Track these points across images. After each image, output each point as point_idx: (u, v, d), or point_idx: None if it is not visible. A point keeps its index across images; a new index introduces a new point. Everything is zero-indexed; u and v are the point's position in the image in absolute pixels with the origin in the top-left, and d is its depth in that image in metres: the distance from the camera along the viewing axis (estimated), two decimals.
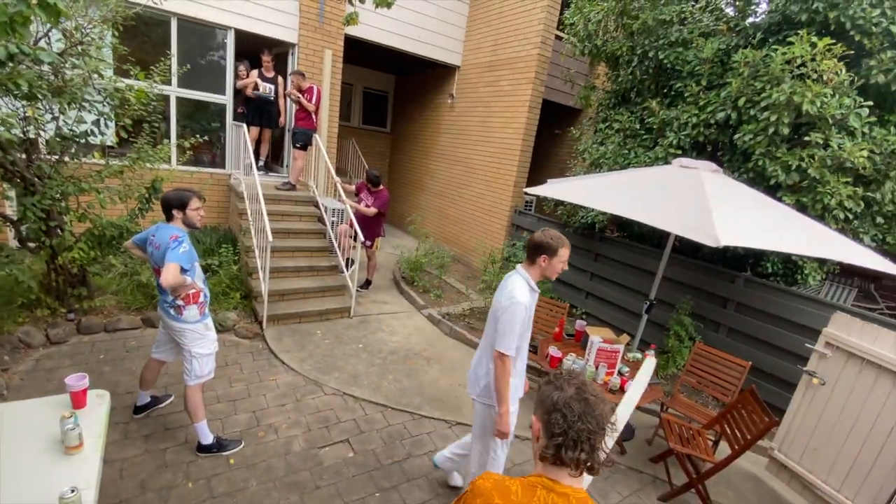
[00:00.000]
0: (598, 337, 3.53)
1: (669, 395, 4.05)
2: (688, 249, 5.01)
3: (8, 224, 3.96)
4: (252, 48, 6.78)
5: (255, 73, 6.51)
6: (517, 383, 2.49)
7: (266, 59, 6.53)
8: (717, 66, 4.59)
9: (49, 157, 3.95)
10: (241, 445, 3.05)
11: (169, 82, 5.78)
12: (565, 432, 1.10)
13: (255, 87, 6.42)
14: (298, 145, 6.23)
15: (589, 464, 1.11)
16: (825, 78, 3.67)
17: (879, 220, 3.94)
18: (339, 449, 3.20)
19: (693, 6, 5.21)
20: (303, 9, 6.50)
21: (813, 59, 3.70)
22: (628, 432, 3.83)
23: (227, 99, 6.46)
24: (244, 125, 6.14)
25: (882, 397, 2.96)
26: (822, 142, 3.73)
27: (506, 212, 7.35)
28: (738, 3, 5.07)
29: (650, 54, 5.02)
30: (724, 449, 3.33)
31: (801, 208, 3.83)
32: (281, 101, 6.79)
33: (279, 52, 7.03)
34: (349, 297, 5.43)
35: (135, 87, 4.06)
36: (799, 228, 3.07)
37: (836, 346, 3.22)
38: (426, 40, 7.96)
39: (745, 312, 4.45)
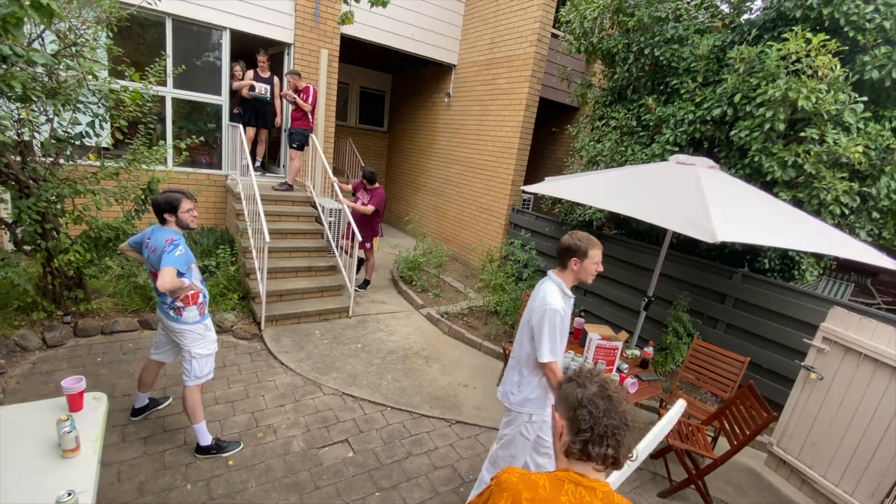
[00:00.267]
0: (596, 334, 3.53)
1: (668, 391, 4.06)
2: (685, 246, 5.01)
3: (3, 227, 3.94)
4: (248, 48, 6.76)
5: (250, 73, 6.49)
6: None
7: (261, 58, 6.51)
8: (712, 62, 4.60)
9: (44, 159, 3.93)
10: (240, 447, 3.04)
11: (164, 83, 5.76)
12: (591, 428, 1.13)
13: (251, 88, 6.41)
14: (295, 145, 6.22)
15: (615, 458, 1.14)
16: (820, 74, 3.68)
17: (875, 215, 3.95)
18: (339, 449, 3.19)
19: (688, 3, 5.22)
20: (298, 8, 6.49)
21: (808, 55, 3.71)
22: None
23: (223, 99, 6.44)
24: (240, 126, 6.13)
25: (880, 391, 2.97)
26: (817, 137, 3.74)
27: (503, 210, 7.35)
28: None
29: (646, 51, 5.03)
30: (723, 444, 3.34)
31: (798, 204, 3.84)
32: (277, 102, 6.78)
33: (275, 52, 7.01)
34: (347, 297, 5.42)
35: (130, 89, 4.04)
36: (796, 224, 3.08)
37: (834, 341, 3.23)
38: (422, 39, 7.95)
39: (742, 308, 4.46)
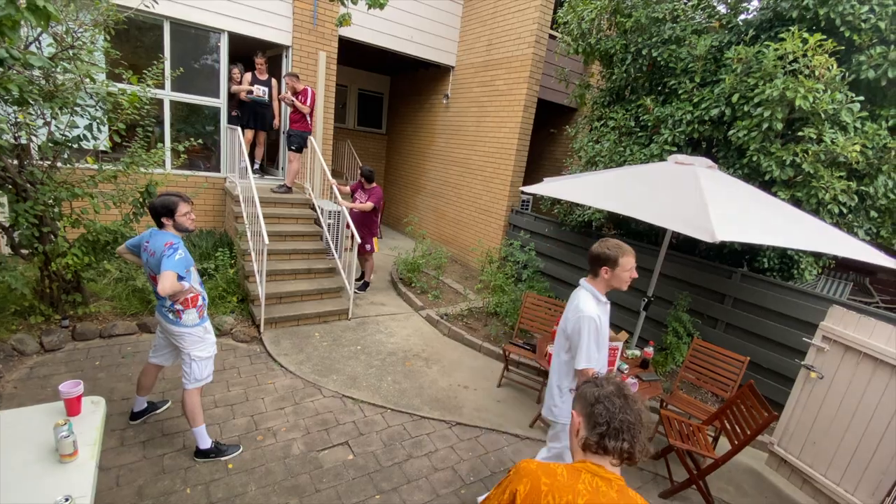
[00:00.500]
0: None
1: (669, 391, 4.05)
2: (684, 246, 5.02)
3: (0, 231, 3.92)
4: (246, 50, 6.76)
5: (248, 75, 6.49)
6: None
7: (259, 61, 6.52)
8: (710, 62, 4.61)
9: (41, 162, 3.92)
10: (240, 450, 3.02)
11: (162, 86, 5.76)
12: (608, 422, 1.20)
13: (250, 92, 6.41)
14: (293, 148, 6.21)
15: (630, 453, 1.20)
16: (817, 73, 3.69)
17: (873, 213, 3.96)
18: (339, 451, 3.18)
19: (685, 4, 5.23)
20: (296, 11, 6.49)
21: (804, 55, 3.72)
22: None
23: (221, 102, 6.44)
24: (239, 128, 6.13)
25: (879, 390, 2.97)
26: (815, 137, 3.75)
27: (503, 211, 7.35)
28: (730, 0, 5.10)
29: (644, 52, 5.04)
30: (724, 444, 3.33)
31: (796, 203, 3.85)
32: (275, 104, 6.77)
33: (273, 54, 7.01)
34: (347, 299, 5.41)
35: (128, 92, 4.04)
36: (794, 223, 3.08)
37: (834, 340, 3.23)
38: (420, 41, 7.96)
39: (742, 308, 4.46)
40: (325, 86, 6.95)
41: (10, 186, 3.68)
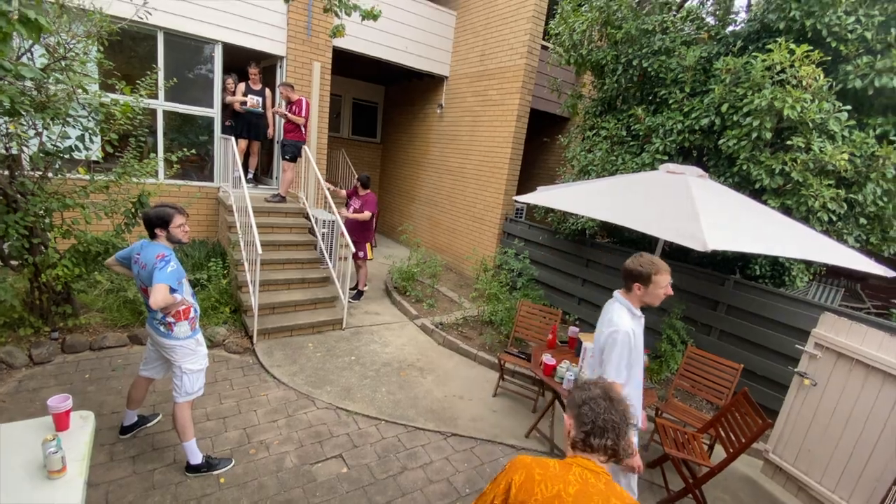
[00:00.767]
0: (591, 343, 3.53)
1: (663, 399, 4.05)
2: (677, 254, 5.05)
3: None
4: (240, 61, 6.78)
5: (242, 86, 6.50)
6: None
7: (253, 71, 6.53)
8: (699, 73, 4.68)
9: (32, 173, 3.89)
10: (232, 464, 2.98)
11: (156, 96, 5.76)
12: (593, 422, 1.31)
13: (244, 103, 6.42)
14: (287, 157, 6.22)
15: (614, 450, 1.30)
16: (804, 83, 3.75)
17: (862, 220, 4.01)
18: (333, 464, 3.14)
19: (674, 16, 5.32)
20: (290, 22, 6.53)
21: (792, 66, 3.78)
22: None
23: (214, 112, 6.44)
24: (232, 138, 6.12)
25: (872, 396, 2.99)
26: (803, 145, 3.81)
27: (497, 219, 7.37)
28: (717, 12, 5.19)
29: (634, 63, 5.11)
30: (719, 452, 3.33)
31: (786, 211, 3.89)
32: (269, 114, 6.78)
33: (267, 64, 7.03)
34: (341, 309, 5.38)
35: (120, 102, 4.03)
36: (785, 231, 3.11)
37: (826, 347, 3.25)
38: (414, 51, 8.02)
39: (735, 315, 4.48)
40: (320, 95, 6.97)
41: (0, 197, 3.64)
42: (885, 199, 3.86)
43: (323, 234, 6.00)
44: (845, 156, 3.64)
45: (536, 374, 3.68)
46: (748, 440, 2.84)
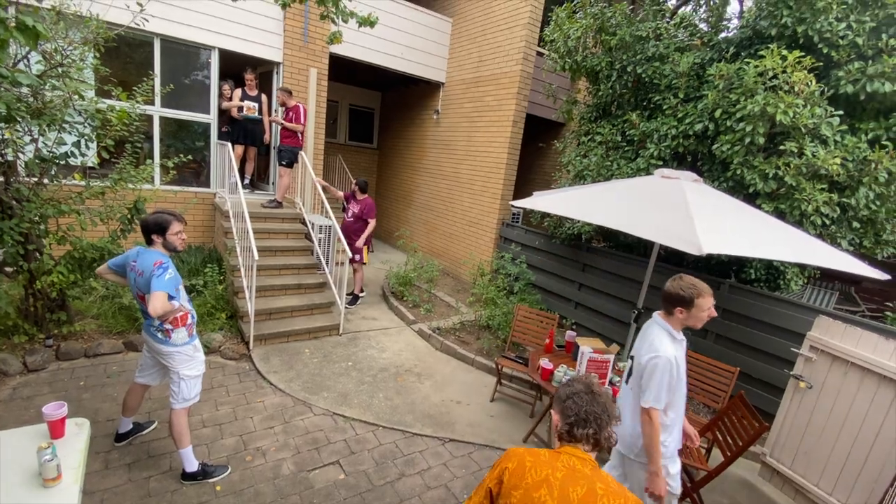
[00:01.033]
0: (588, 347, 3.54)
1: None
2: (673, 258, 5.07)
3: None
4: (237, 67, 6.80)
5: (238, 91, 6.51)
6: (671, 440, 2.27)
7: (249, 77, 6.54)
8: (693, 79, 4.73)
9: (28, 179, 3.87)
10: (228, 471, 2.96)
11: (152, 102, 5.76)
12: (577, 414, 1.41)
13: (240, 110, 6.43)
14: (284, 163, 6.22)
15: (596, 439, 1.40)
16: (796, 89, 3.80)
17: (855, 224, 4.04)
18: (330, 471, 3.12)
19: (668, 23, 5.38)
20: (287, 28, 6.56)
21: (784, 72, 3.83)
22: None
23: (211, 118, 6.44)
24: (229, 144, 6.13)
25: (868, 399, 3.00)
26: (796, 150, 3.84)
27: (493, 224, 7.39)
28: (710, 19, 5.26)
29: (628, 69, 5.16)
30: (716, 456, 3.33)
31: (780, 215, 3.92)
32: (266, 119, 6.79)
33: (264, 70, 7.05)
34: (338, 315, 5.37)
35: (117, 108, 4.03)
36: (779, 235, 3.14)
37: (821, 350, 3.27)
38: (411, 57, 8.06)
39: (731, 318, 4.50)
40: (316, 101, 7.00)
41: None
42: (878, 202, 3.89)
43: (319, 240, 6.00)
44: (838, 160, 3.68)
45: (534, 378, 3.68)
46: (745, 444, 2.84)
